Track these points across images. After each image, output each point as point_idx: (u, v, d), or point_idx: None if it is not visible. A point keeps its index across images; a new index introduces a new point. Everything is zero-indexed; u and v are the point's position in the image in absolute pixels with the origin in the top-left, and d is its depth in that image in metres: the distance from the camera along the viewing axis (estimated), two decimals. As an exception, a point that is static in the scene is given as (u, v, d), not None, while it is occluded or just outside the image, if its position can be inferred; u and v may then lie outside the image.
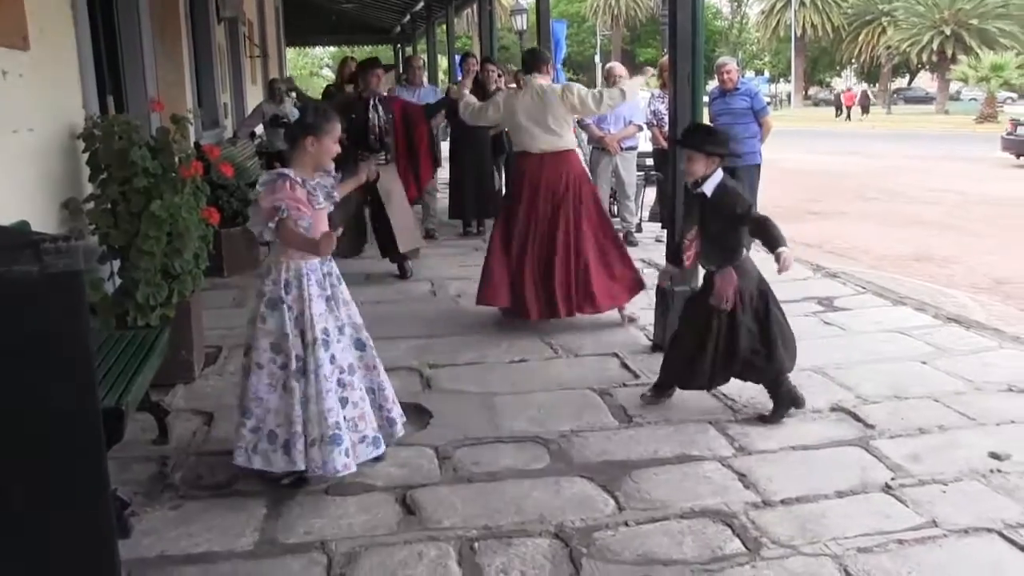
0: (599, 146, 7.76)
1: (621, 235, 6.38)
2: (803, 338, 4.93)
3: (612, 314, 5.35)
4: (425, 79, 9.50)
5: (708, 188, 3.76)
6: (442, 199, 9.06)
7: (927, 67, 47.43)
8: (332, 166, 3.28)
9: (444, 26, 15.80)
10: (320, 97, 9.54)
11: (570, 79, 20.09)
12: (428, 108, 7.39)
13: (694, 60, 4.53)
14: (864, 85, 51.04)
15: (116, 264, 4.22)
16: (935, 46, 42.14)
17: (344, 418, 3.14)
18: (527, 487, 3.19)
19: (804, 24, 50.12)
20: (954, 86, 45.58)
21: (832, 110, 44.80)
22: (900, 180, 15.03)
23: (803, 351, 4.64)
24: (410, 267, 6.84)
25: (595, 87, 5.98)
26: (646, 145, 8.79)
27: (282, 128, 8.04)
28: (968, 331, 5.05)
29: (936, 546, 2.75)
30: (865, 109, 42.73)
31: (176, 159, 4.23)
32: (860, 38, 48.60)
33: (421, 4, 15.86)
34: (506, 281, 5.20)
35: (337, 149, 3.23)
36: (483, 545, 2.80)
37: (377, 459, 3.32)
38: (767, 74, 58.16)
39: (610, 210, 7.22)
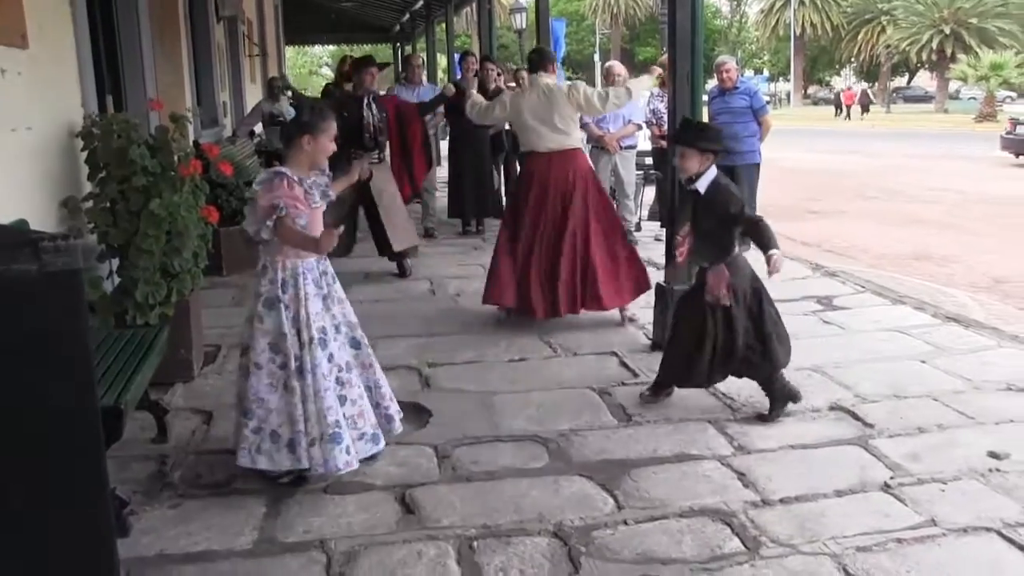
0: (598, 145, 7.76)
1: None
2: (802, 337, 4.94)
3: (611, 313, 5.35)
4: (424, 78, 9.50)
5: (701, 185, 3.76)
6: (441, 198, 9.06)
7: (926, 66, 47.45)
8: (327, 165, 3.28)
9: (443, 25, 15.79)
10: (320, 95, 9.53)
11: (569, 78, 20.12)
12: (422, 106, 7.38)
13: (693, 59, 4.52)
14: (864, 84, 51.03)
15: (115, 263, 4.21)
16: (934, 45, 42.14)
17: (344, 416, 3.14)
18: (526, 486, 3.20)
19: (803, 23, 50.12)
20: (953, 85, 45.57)
21: (831, 109, 44.81)
22: (899, 179, 15.03)
23: (802, 350, 4.64)
24: (409, 265, 6.84)
25: (595, 86, 5.97)
26: (645, 144, 8.79)
27: (278, 127, 8.04)
28: (967, 330, 5.05)
29: (935, 545, 2.75)
30: (865, 108, 42.74)
31: (175, 158, 4.23)
32: (859, 37, 48.59)
33: (420, 3, 15.85)
34: (513, 280, 5.20)
35: (333, 148, 3.23)
36: (482, 544, 2.80)
37: (377, 455, 3.32)
38: (766, 73, 58.16)
39: (609, 209, 7.22)
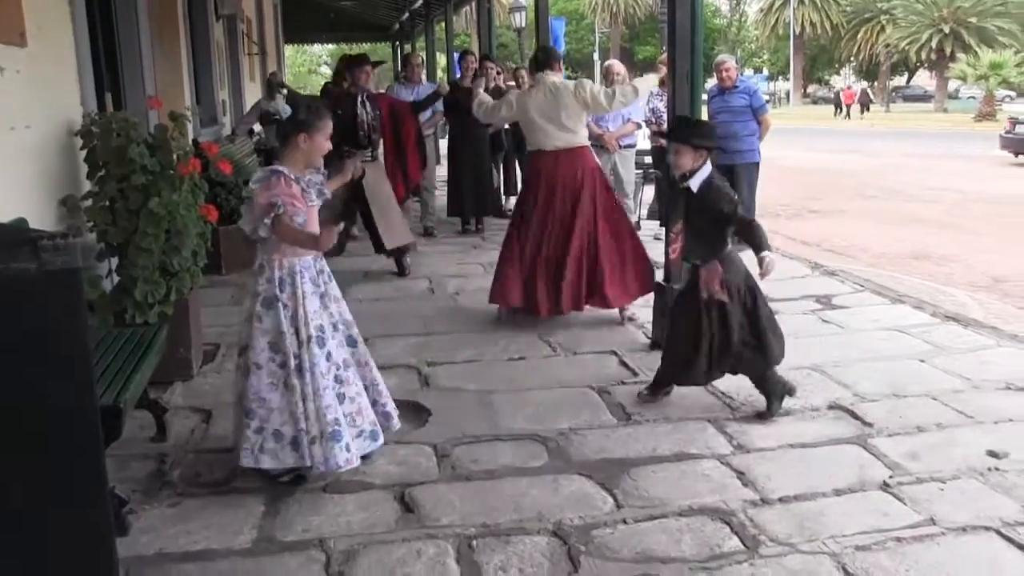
0: (597, 143, 7.74)
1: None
2: (801, 336, 4.96)
3: (611, 312, 5.35)
4: (424, 77, 9.49)
5: (694, 183, 3.76)
6: (440, 196, 9.06)
7: (926, 65, 47.46)
8: (322, 163, 3.28)
9: (443, 24, 15.78)
10: (319, 94, 9.52)
11: (568, 77, 20.08)
12: (416, 105, 7.38)
13: (693, 58, 4.52)
14: (863, 83, 51.03)
15: (114, 261, 4.21)
16: (934, 44, 42.14)
17: (343, 414, 3.15)
18: (525, 485, 3.20)
19: (803, 22, 50.13)
20: (953, 84, 45.58)
21: (831, 108, 44.79)
22: (899, 178, 15.03)
23: (801, 349, 4.66)
24: (408, 264, 6.84)
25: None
26: (645, 143, 8.79)
27: (274, 125, 8.03)
28: (966, 329, 5.05)
29: (934, 544, 2.75)
30: (865, 107, 42.76)
31: (174, 156, 4.23)
32: (859, 36, 48.61)
33: (420, 2, 15.83)
34: (519, 281, 5.19)
35: (329, 146, 3.23)
36: (481, 543, 2.80)
37: (374, 453, 3.33)
38: (766, 72, 58.16)
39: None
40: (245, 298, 3.24)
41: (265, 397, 3.10)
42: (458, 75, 9.13)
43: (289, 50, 31.06)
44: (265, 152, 9.16)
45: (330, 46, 45.39)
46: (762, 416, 3.77)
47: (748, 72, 50.14)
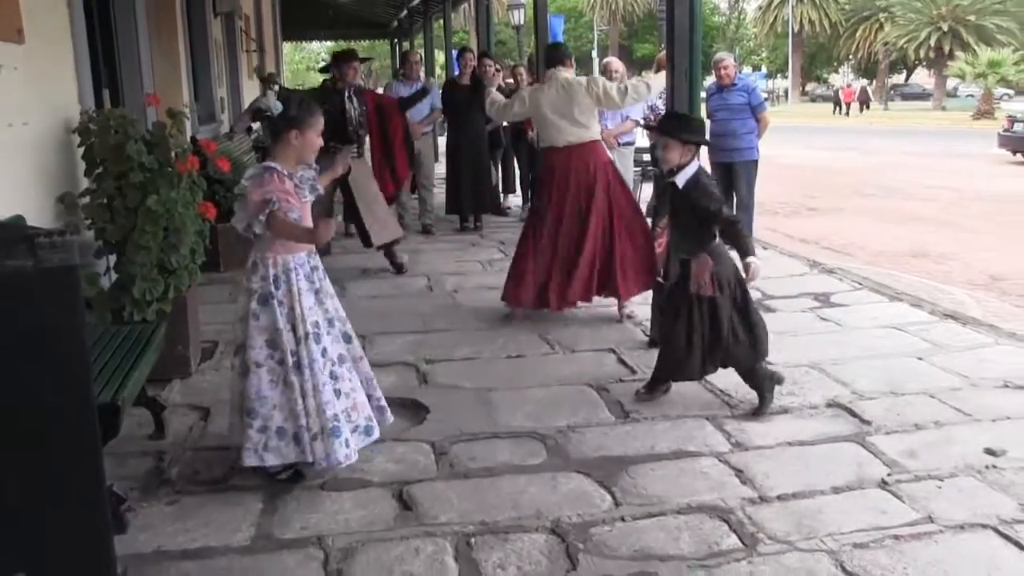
0: (596, 141, 7.74)
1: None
2: (799, 334, 4.97)
3: (609, 310, 5.36)
4: (422, 74, 9.48)
5: (680, 180, 3.77)
6: (439, 194, 9.05)
7: (924, 63, 47.47)
8: (314, 159, 3.28)
9: (441, 21, 15.76)
10: (319, 89, 9.49)
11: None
12: (403, 101, 7.36)
13: (691, 56, 4.51)
14: (862, 81, 51.04)
15: (112, 259, 4.21)
16: (932, 42, 42.14)
17: (341, 410, 3.15)
18: (524, 483, 3.20)
19: (801, 20, 50.14)
20: (951, 82, 45.58)
21: (829, 106, 44.79)
22: (897, 176, 15.04)
23: (799, 347, 4.67)
24: (406, 261, 6.83)
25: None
26: (643, 141, 8.79)
27: (265, 121, 8.00)
28: (964, 327, 5.06)
29: (932, 542, 2.76)
30: (865, 105, 42.76)
31: (172, 154, 4.22)
32: (857, 34, 48.62)
33: (418, -1, 15.82)
34: (534, 282, 5.19)
35: (320, 143, 3.23)
36: (480, 540, 2.80)
37: (370, 448, 3.33)
38: (764, 70, 58.18)
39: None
40: (239, 295, 3.23)
41: (266, 395, 3.09)
42: (456, 72, 9.12)
43: (287, 47, 31.01)
44: (263, 149, 9.15)
45: (328, 43, 45.33)
46: (757, 412, 3.77)
47: (747, 70, 50.19)
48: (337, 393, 3.17)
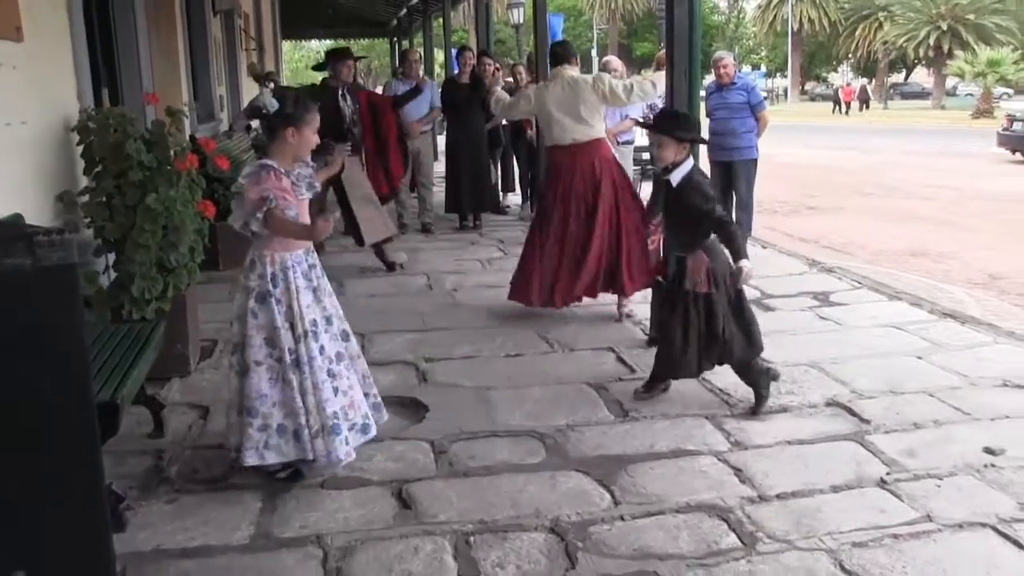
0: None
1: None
2: (799, 333, 4.97)
3: (608, 308, 5.36)
4: (422, 73, 9.47)
5: (675, 177, 3.77)
6: (438, 193, 9.05)
7: (923, 62, 47.47)
8: (310, 157, 3.28)
9: (441, 20, 15.75)
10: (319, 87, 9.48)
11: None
12: (396, 99, 7.35)
13: (691, 55, 4.52)
14: (862, 80, 51.05)
15: (111, 257, 4.21)
16: (931, 41, 42.16)
17: (339, 407, 3.15)
18: (523, 481, 3.20)
19: (801, 19, 50.14)
20: (950, 81, 45.59)
21: (829, 105, 44.78)
22: (897, 175, 15.04)
23: (799, 346, 4.67)
24: (405, 260, 6.82)
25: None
26: (643, 139, 8.79)
27: (261, 119, 7.99)
28: (963, 326, 5.06)
29: (931, 540, 2.76)
30: (864, 104, 42.75)
31: (171, 152, 4.22)
32: (857, 33, 48.61)
33: (417, -3, 15.82)
34: (540, 281, 5.19)
35: (316, 140, 3.23)
36: (479, 539, 2.80)
37: (367, 445, 3.33)
38: (764, 69, 58.16)
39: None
40: (237, 294, 3.23)
41: (266, 393, 3.09)
42: (456, 71, 9.12)
43: (286, 46, 31.01)
44: (262, 148, 9.14)
45: (327, 42, 45.28)
46: (755, 409, 3.77)
47: (746, 69, 50.16)
48: (335, 391, 3.17)
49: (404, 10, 18.16)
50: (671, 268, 3.99)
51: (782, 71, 58.25)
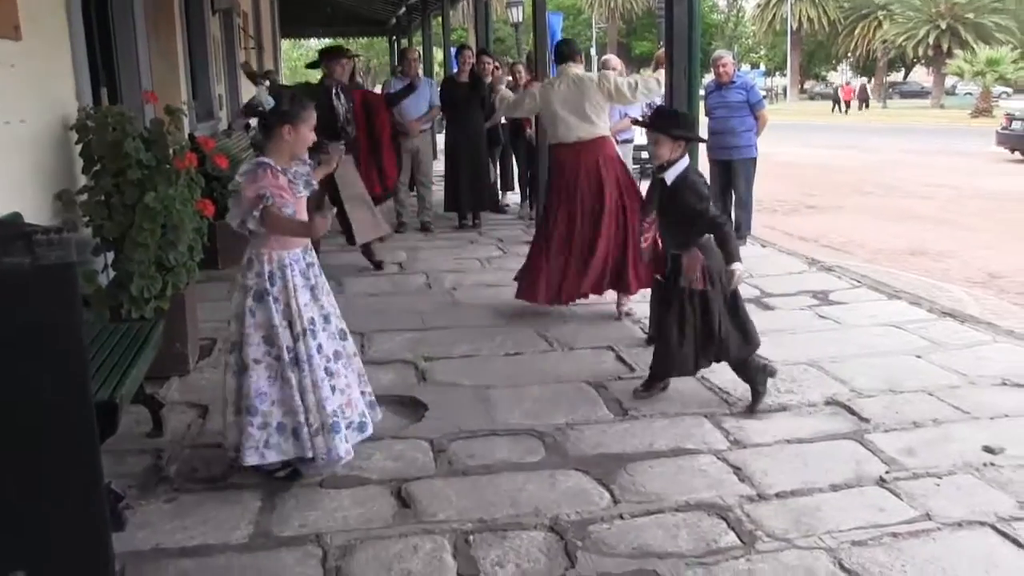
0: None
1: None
2: (798, 332, 4.97)
3: (608, 307, 5.36)
4: (421, 71, 9.47)
5: (669, 176, 3.77)
6: (438, 191, 9.05)
7: (923, 61, 47.48)
8: (307, 154, 3.28)
9: (440, 18, 15.74)
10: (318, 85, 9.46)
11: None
12: (389, 97, 7.33)
13: (690, 53, 4.52)
14: (861, 79, 51.06)
15: (110, 256, 4.20)
16: (931, 40, 42.18)
17: (337, 406, 3.15)
18: (522, 480, 3.20)
19: (800, 18, 50.14)
20: (949, 80, 45.61)
21: (828, 104, 44.78)
22: (896, 174, 15.05)
23: (798, 344, 4.67)
24: (401, 258, 6.81)
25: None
26: (642, 138, 8.78)
27: (257, 117, 7.98)
28: (962, 325, 5.06)
29: (930, 539, 2.76)
30: (864, 102, 42.74)
31: (170, 151, 4.22)
32: (856, 32, 48.63)
33: (417, -4, 15.81)
34: (547, 279, 5.19)
35: (313, 138, 3.22)
36: (478, 538, 2.80)
37: (372, 442, 3.33)
38: (763, 68, 58.15)
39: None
40: (234, 292, 3.23)
41: (265, 392, 3.09)
42: (455, 70, 9.11)
43: (285, 44, 30.99)
44: (259, 146, 9.12)
45: (327, 41, 45.26)
46: (752, 406, 3.77)
47: (745, 68, 50.14)
48: (333, 389, 3.17)
49: (403, 8, 18.15)
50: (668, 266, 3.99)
51: (781, 70, 58.24)
